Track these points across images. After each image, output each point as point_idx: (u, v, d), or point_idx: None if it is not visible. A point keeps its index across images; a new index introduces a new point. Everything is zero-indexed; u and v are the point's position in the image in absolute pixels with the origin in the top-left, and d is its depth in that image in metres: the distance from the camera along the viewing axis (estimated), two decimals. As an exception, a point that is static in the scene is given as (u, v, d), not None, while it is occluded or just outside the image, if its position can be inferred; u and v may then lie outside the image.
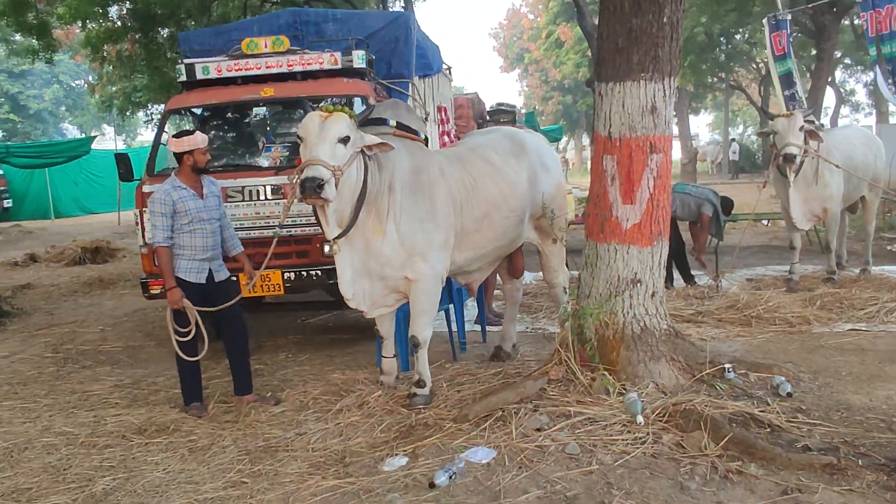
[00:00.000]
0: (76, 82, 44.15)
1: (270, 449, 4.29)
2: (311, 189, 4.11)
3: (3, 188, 22.68)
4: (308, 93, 6.54)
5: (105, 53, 14.26)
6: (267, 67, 6.60)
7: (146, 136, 40.01)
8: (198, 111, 7.27)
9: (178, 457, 4.26)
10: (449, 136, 9.75)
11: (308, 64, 6.62)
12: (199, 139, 4.91)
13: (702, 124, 67.77)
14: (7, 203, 22.75)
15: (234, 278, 5.34)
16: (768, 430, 4.00)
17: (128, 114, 21.26)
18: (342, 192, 4.31)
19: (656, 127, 4.48)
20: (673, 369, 4.68)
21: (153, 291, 6.38)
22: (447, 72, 12.13)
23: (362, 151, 4.43)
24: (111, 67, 16.74)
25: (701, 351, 4.87)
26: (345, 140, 4.26)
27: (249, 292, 6.18)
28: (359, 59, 6.60)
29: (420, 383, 4.84)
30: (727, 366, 4.74)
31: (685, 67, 23.65)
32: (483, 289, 7.12)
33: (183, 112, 7.20)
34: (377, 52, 7.41)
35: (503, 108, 20.66)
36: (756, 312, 6.53)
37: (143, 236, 6.34)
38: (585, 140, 43.09)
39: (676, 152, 18.80)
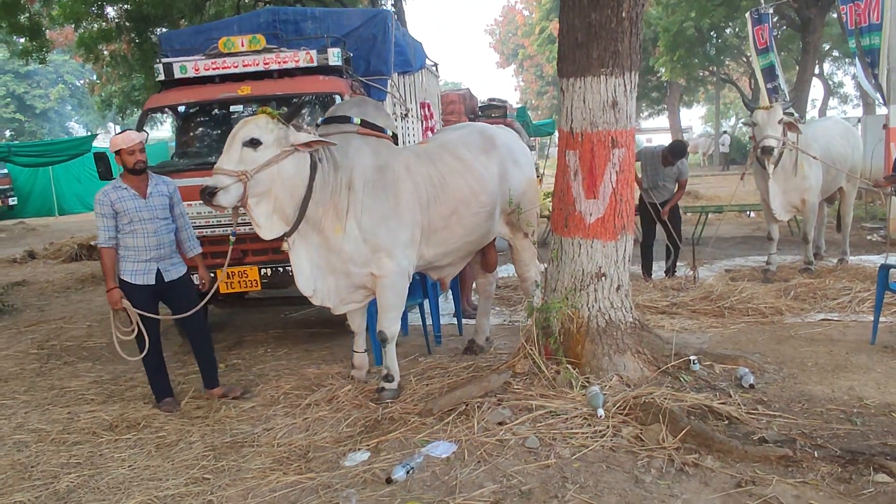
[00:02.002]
0: (80, 82, 44.37)
1: (236, 444, 4.33)
2: (203, 196, 4.22)
3: (7, 186, 22.84)
4: (284, 91, 6.57)
5: (99, 54, 14.25)
6: (244, 66, 6.63)
7: (151, 134, 40.17)
8: (179, 110, 7.32)
9: (145, 453, 4.31)
10: (433, 131, 9.76)
11: (284, 62, 6.65)
12: (123, 139, 4.79)
13: (695, 117, 67.84)
14: (12, 201, 22.91)
15: (192, 276, 5.24)
16: (726, 422, 4.03)
17: (127, 112, 21.33)
18: (275, 192, 4.35)
19: (618, 122, 4.50)
20: (638, 362, 4.71)
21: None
22: (433, 68, 12.13)
23: (317, 149, 4.48)
24: (107, 67, 16.77)
25: (667, 343, 4.90)
26: (253, 143, 4.25)
27: (226, 289, 6.26)
28: (334, 56, 6.62)
29: (388, 377, 4.88)
30: (692, 358, 4.78)
31: (675, 62, 23.64)
32: (459, 282, 7.18)
33: (164, 111, 7.22)
34: (355, 50, 7.43)
35: (494, 103, 20.77)
36: (729, 303, 6.57)
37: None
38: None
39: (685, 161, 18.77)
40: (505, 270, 9.53)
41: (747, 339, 5.81)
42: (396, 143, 5.18)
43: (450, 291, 6.50)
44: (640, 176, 7.90)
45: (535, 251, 5.79)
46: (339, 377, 5.41)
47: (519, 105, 23.83)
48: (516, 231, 5.62)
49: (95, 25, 13.47)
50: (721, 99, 38.42)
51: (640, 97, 33.94)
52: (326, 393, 4.97)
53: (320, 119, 4.96)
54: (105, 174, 6.60)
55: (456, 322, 6.82)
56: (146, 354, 4.99)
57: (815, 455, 3.65)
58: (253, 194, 4.29)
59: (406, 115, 8.25)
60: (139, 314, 4.85)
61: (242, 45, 6.63)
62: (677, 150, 8.01)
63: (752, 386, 4.53)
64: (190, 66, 6.64)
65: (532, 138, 23.06)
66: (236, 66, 6.60)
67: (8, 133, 42.09)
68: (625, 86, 4.46)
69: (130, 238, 4.84)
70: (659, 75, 28.50)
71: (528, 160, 5.79)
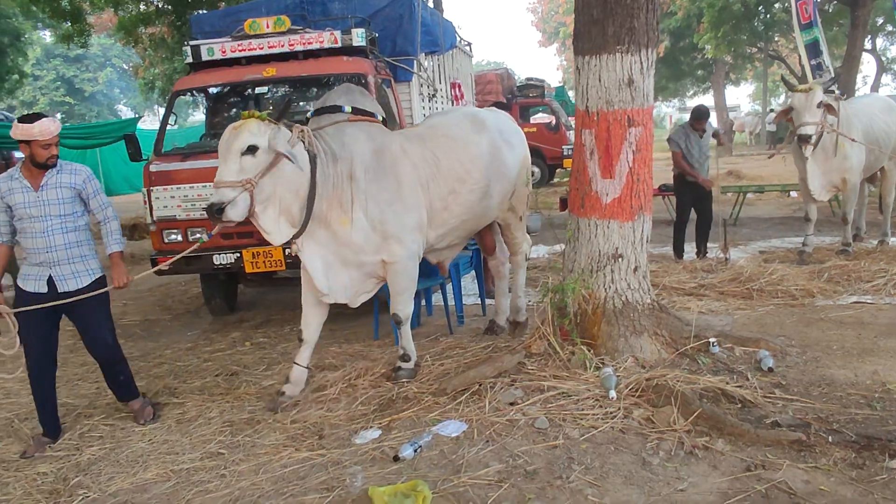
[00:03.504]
0: (127, 65, 45.35)
1: (253, 421, 4.42)
2: (212, 215, 4.03)
3: (57, 168, 23.39)
4: (309, 72, 6.62)
5: (139, 37, 14.50)
6: (269, 47, 6.69)
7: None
8: (211, 91, 7.42)
9: (165, 428, 4.43)
10: (464, 111, 9.71)
11: (309, 43, 6.68)
12: (38, 130, 4.05)
13: (742, 95, 66.32)
14: (62, 182, 23.48)
15: (97, 288, 4.35)
16: (739, 405, 3.97)
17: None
18: (279, 194, 4.23)
19: (634, 100, 4.42)
20: (655, 344, 4.66)
21: (162, 268, 6.59)
22: (467, 48, 12.07)
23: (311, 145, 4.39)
24: (149, 51, 17.06)
25: (686, 325, 4.83)
26: (251, 150, 4.10)
27: (252, 269, 6.35)
28: (358, 37, 6.63)
29: (405, 357, 4.89)
30: (712, 340, 4.70)
31: (719, 38, 23.05)
32: (484, 262, 7.17)
33: (193, 93, 7.32)
34: (382, 30, 7.42)
35: (532, 82, 20.62)
36: (759, 285, 6.43)
37: (152, 214, 6.52)
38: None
39: (712, 123, 18.34)
40: (535, 251, 9.51)
41: (774, 321, 5.69)
42: (386, 127, 5.03)
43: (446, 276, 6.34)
44: (685, 157, 7.78)
45: (524, 228, 5.82)
46: (358, 356, 5.47)
47: (559, 84, 23.51)
48: (514, 214, 5.59)
49: (135, 9, 13.66)
50: (770, 76, 37.42)
51: (684, 75, 33.36)
52: (345, 372, 5.01)
53: (310, 112, 4.88)
54: (135, 156, 6.74)
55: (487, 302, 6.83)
56: (30, 371, 4.31)
57: (829, 440, 3.58)
58: (259, 201, 4.14)
59: (433, 95, 8.24)
60: (27, 316, 4.17)
61: (268, 27, 6.67)
62: (703, 113, 7.99)
63: (771, 369, 4.44)
64: (217, 48, 6.72)
65: (571, 118, 22.84)
66: (262, 48, 6.66)
67: (59, 116, 43.28)
68: (641, 63, 4.38)
69: (22, 237, 4.23)
70: (704, 52, 27.86)
71: (519, 140, 5.68)
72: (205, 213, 4.48)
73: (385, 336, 5.96)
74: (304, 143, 4.32)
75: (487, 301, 6.79)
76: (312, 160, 4.37)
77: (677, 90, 36.30)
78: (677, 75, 33.06)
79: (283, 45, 6.66)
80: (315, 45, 6.66)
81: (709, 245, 8.17)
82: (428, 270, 6.28)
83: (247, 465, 3.83)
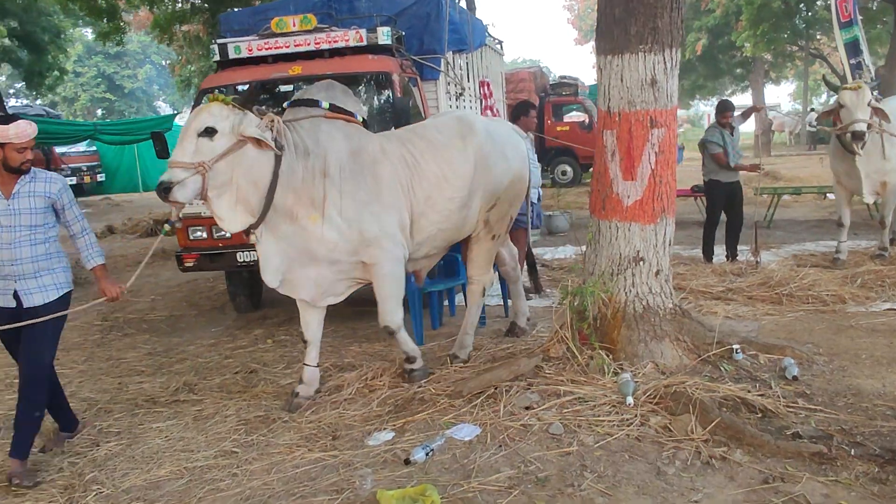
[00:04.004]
0: (166, 62, 46.15)
1: (268, 420, 4.42)
2: (159, 193, 3.92)
3: (95, 163, 23.86)
4: (334, 70, 6.59)
5: (174, 35, 14.69)
6: (295, 46, 6.70)
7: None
8: (239, 90, 7.46)
9: (182, 425, 4.46)
10: (492, 110, 9.67)
11: (335, 42, 6.68)
12: (14, 132, 3.78)
13: (783, 94, 65.15)
14: (100, 177, 23.95)
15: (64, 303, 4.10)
16: (760, 415, 3.87)
17: (206, 92, 22.01)
18: (237, 181, 4.07)
19: (657, 100, 4.33)
20: (677, 349, 4.57)
21: (186, 264, 6.66)
22: (498, 46, 12.01)
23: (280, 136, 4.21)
24: (186, 48, 17.28)
25: (709, 331, 4.72)
26: (208, 132, 3.95)
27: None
28: (384, 35, 6.61)
29: (410, 359, 4.79)
30: (735, 347, 4.60)
31: (758, 36, 22.62)
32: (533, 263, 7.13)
33: (219, 91, 7.36)
34: (408, 29, 7.39)
35: (565, 80, 20.46)
36: (789, 290, 6.28)
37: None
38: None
39: (750, 123, 17.80)
40: (562, 251, 9.43)
41: (803, 328, 5.55)
42: (366, 129, 4.76)
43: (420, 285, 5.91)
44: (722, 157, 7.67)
45: (493, 257, 5.38)
46: (377, 356, 5.46)
47: (593, 83, 23.24)
48: (487, 231, 5.14)
49: (170, 6, 13.83)
50: (811, 75, 36.64)
51: (722, 73, 32.82)
52: (362, 372, 4.99)
53: (287, 102, 4.76)
54: (162, 153, 6.81)
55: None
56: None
57: (852, 453, 3.47)
58: (213, 186, 3.98)
59: (461, 94, 8.20)
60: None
61: (294, 25, 6.68)
62: (727, 104, 7.89)
63: (795, 378, 4.33)
64: (243, 46, 6.75)
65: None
66: (288, 47, 6.68)
67: (99, 112, 44.21)
68: (665, 63, 4.29)
69: None
70: (742, 50, 27.36)
71: (516, 153, 5.26)
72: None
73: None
74: (272, 132, 4.14)
75: (492, 303, 6.71)
76: (279, 150, 4.19)
77: (715, 89, 35.72)
78: (715, 74, 32.53)
79: (309, 44, 6.67)
80: (341, 44, 6.66)
81: (739, 248, 8.02)
82: (450, 270, 6.26)
83: (259, 465, 3.83)
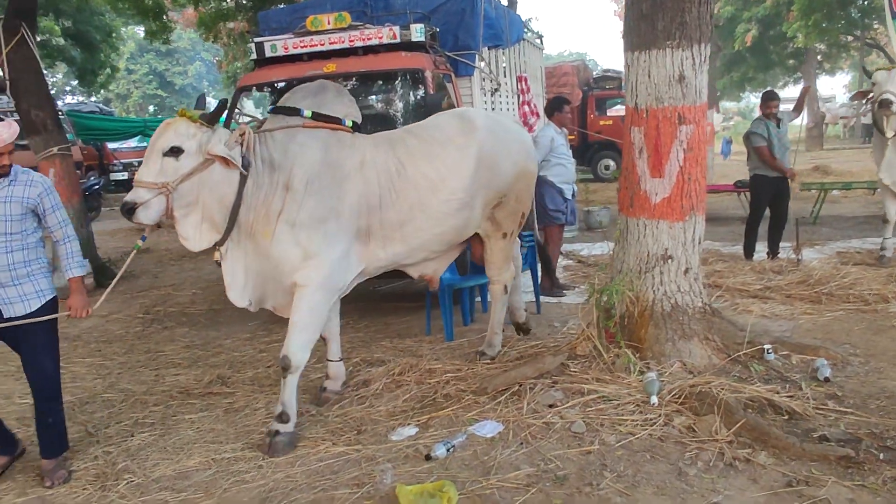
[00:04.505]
0: (215, 58, 47.07)
1: (297, 413, 4.48)
2: (123, 213, 3.82)
3: (146, 158, 24.44)
4: (368, 67, 6.67)
5: (218, 32, 14.95)
6: (330, 44, 6.77)
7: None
8: (278, 87, 7.57)
9: (213, 417, 4.57)
10: (529, 105, 9.64)
11: (368, 39, 6.73)
12: None
13: (838, 85, 63.29)
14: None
15: (49, 311, 3.88)
16: (787, 417, 3.80)
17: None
18: (202, 200, 3.92)
19: (685, 97, 4.27)
20: (706, 349, 4.51)
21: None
22: (537, 41, 11.94)
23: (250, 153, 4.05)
24: (232, 45, 17.59)
25: (741, 330, 4.66)
26: (174, 151, 3.81)
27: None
28: (417, 32, 6.63)
29: (283, 416, 4.07)
30: (766, 347, 4.52)
31: (810, 27, 22.03)
32: (545, 260, 7.11)
33: (258, 89, 7.49)
34: (443, 25, 7.41)
35: (609, 74, 20.27)
36: (829, 289, 6.14)
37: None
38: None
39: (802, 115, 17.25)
40: (599, 248, 9.36)
41: (841, 328, 5.42)
42: (360, 132, 4.50)
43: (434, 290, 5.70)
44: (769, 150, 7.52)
45: (510, 253, 5.22)
46: (407, 351, 5.51)
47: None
48: (496, 229, 4.97)
49: (215, 5, 14.08)
50: (868, 66, 35.63)
51: (774, 64, 32.06)
52: (389, 367, 5.04)
53: (269, 108, 4.64)
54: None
55: (548, 300, 6.77)
56: None
57: (881, 457, 3.39)
58: (179, 206, 3.85)
59: (496, 90, 8.18)
60: None
61: (329, 24, 6.76)
62: (771, 94, 7.76)
63: (827, 379, 4.24)
64: (279, 45, 6.85)
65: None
66: (322, 44, 6.75)
67: (151, 108, 45.27)
68: (693, 59, 4.22)
69: None
70: (794, 41, 26.69)
71: (521, 147, 5.03)
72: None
73: (437, 331, 5.97)
74: (241, 146, 3.97)
75: (542, 299, 6.72)
76: (245, 168, 3.99)
77: (766, 80, 34.91)
78: (766, 65, 31.78)
79: (343, 41, 6.74)
80: (374, 41, 6.70)
81: (782, 245, 7.85)
82: (480, 267, 6.27)
83: (284, 458, 3.90)
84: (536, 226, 6.92)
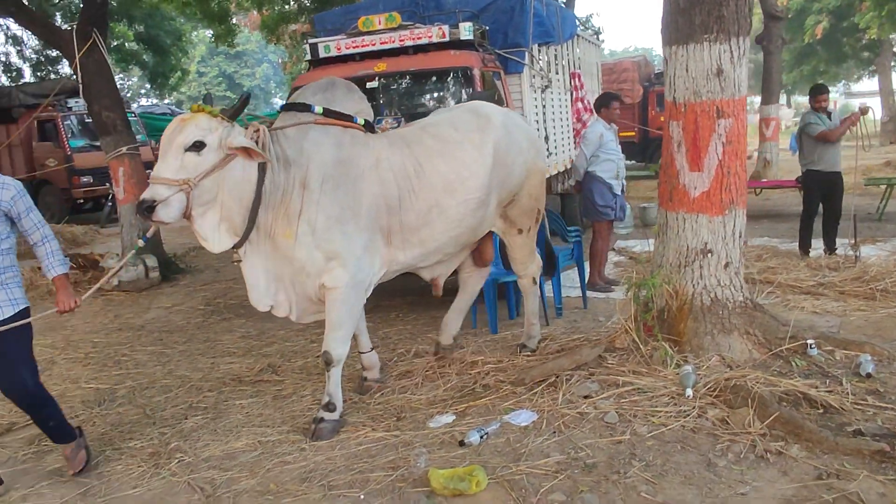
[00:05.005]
0: (280, 60, 48.23)
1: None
2: (141, 212, 3.69)
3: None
4: (417, 66, 6.84)
5: (280, 35, 15.36)
6: (381, 43, 6.97)
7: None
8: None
9: (262, 402, 4.77)
10: (583, 101, 9.65)
11: (418, 38, 6.90)
12: None
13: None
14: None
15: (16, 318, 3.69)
16: (822, 410, 3.77)
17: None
18: (221, 199, 3.82)
19: (723, 90, 4.27)
20: (746, 343, 4.49)
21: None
22: (593, 37, 11.90)
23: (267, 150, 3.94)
24: (289, 47, 18.04)
25: (783, 325, 4.61)
26: (196, 146, 3.69)
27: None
28: (466, 31, 6.77)
29: (329, 406, 4.21)
30: (810, 342, 4.47)
31: (884, 17, 21.22)
32: (590, 255, 7.13)
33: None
34: (493, 23, 7.52)
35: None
36: (884, 285, 5.99)
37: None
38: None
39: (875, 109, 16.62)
40: (646, 244, 9.28)
41: (893, 324, 5.30)
42: (373, 131, 4.41)
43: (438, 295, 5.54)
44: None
45: (532, 246, 5.15)
46: (450, 345, 5.62)
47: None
48: (511, 226, 4.94)
49: (279, 8, 14.47)
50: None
51: (846, 57, 30.95)
52: (432, 359, 5.17)
53: (279, 106, 4.67)
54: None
55: (592, 295, 6.79)
56: None
57: (918, 453, 3.34)
58: (198, 204, 3.74)
59: (547, 86, 8.24)
60: None
61: (380, 24, 6.95)
62: (820, 87, 7.60)
63: (869, 375, 4.17)
64: (332, 45, 7.08)
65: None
66: (374, 44, 6.95)
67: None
68: (731, 52, 4.21)
69: None
70: (868, 33, 25.74)
71: (531, 144, 4.99)
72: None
73: (482, 325, 6.07)
74: (256, 143, 3.87)
75: (590, 294, 6.74)
76: (262, 166, 3.90)
77: (839, 74, 33.74)
78: (838, 58, 30.70)
79: (393, 41, 6.92)
80: (424, 40, 6.87)
81: (840, 241, 7.67)
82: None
83: (326, 442, 4.07)
84: (585, 221, 6.95)
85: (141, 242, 4.06)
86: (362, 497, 3.44)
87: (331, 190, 4.06)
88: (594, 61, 11.75)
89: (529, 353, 5.12)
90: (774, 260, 7.41)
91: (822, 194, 7.59)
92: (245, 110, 4.07)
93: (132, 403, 4.94)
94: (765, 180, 13.35)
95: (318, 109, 4.16)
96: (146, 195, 3.68)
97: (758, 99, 17.46)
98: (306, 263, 4.05)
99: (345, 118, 4.23)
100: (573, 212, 9.03)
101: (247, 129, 3.92)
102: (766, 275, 6.74)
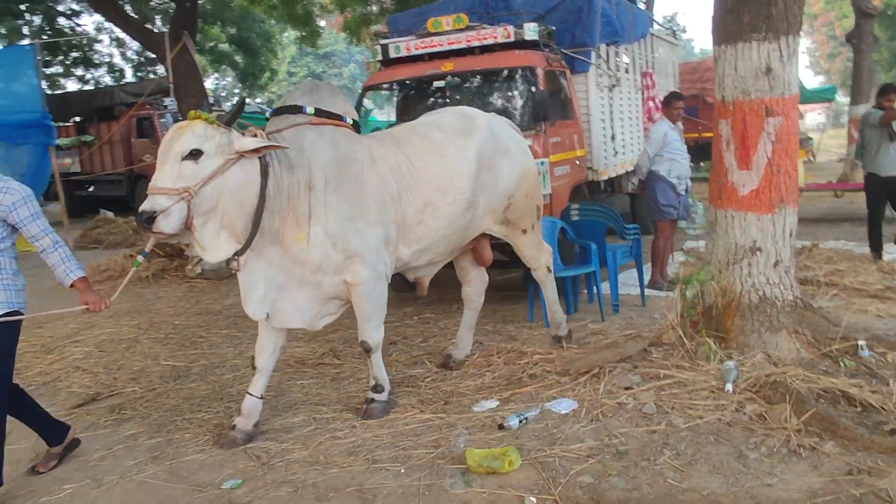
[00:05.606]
0: (364, 60, 49.37)
1: (394, 383, 4.89)
2: (141, 224, 3.60)
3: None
4: (483, 66, 7.02)
5: (361, 36, 15.81)
6: (449, 44, 7.18)
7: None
8: (406, 84, 8.06)
9: (320, 383, 5.07)
10: (654, 101, 9.62)
11: (484, 39, 7.07)
12: None
13: None
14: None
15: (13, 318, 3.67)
16: (859, 409, 3.77)
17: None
18: (222, 207, 3.73)
19: (772, 89, 4.29)
20: (794, 342, 4.49)
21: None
22: (671, 35, 11.82)
23: (270, 153, 3.91)
24: (370, 47, 18.53)
25: (834, 325, 4.59)
26: (193, 154, 3.63)
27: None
28: (531, 31, 6.90)
29: (377, 388, 4.44)
30: (861, 343, 4.44)
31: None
32: (655, 254, 7.16)
33: (382, 87, 8.00)
34: (561, 23, 7.64)
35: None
36: (957, 290, 5.82)
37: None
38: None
39: None
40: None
41: (958, 330, 5.17)
42: (358, 132, 4.49)
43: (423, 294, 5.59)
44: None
45: (539, 239, 5.26)
46: (507, 336, 5.80)
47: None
48: (513, 229, 5.03)
49: (360, 10, 14.91)
50: None
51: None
52: (487, 349, 5.36)
53: (269, 111, 4.89)
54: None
55: (649, 293, 6.83)
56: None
57: (955, 454, 3.32)
58: (198, 213, 3.65)
59: (615, 85, 8.28)
60: None
61: (447, 25, 7.17)
62: (888, 86, 7.34)
63: (919, 377, 4.12)
64: (402, 46, 7.34)
65: (803, 105, 21.15)
66: (442, 45, 7.17)
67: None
68: (780, 51, 4.23)
69: None
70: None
71: (519, 147, 5.07)
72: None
73: (538, 318, 6.21)
74: (257, 153, 3.83)
75: (650, 293, 6.78)
76: (264, 170, 3.84)
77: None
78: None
79: (461, 42, 7.12)
80: (490, 41, 7.04)
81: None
82: (583, 257, 6.45)
83: (376, 421, 4.31)
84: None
85: (140, 258, 3.99)
86: (402, 471, 3.66)
87: (335, 189, 4.10)
88: (670, 60, 11.65)
89: (569, 343, 5.26)
90: (844, 263, 7.24)
91: (886, 197, 7.39)
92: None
93: (203, 380, 5.33)
94: (832, 182, 12.79)
95: (310, 110, 4.20)
96: (145, 206, 3.60)
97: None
98: (323, 263, 4.08)
99: (335, 118, 4.28)
100: (642, 211, 9.04)
101: (244, 134, 3.88)
102: (833, 277, 6.63)
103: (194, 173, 3.63)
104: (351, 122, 4.38)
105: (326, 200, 4.06)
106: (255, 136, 3.89)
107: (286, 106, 4.30)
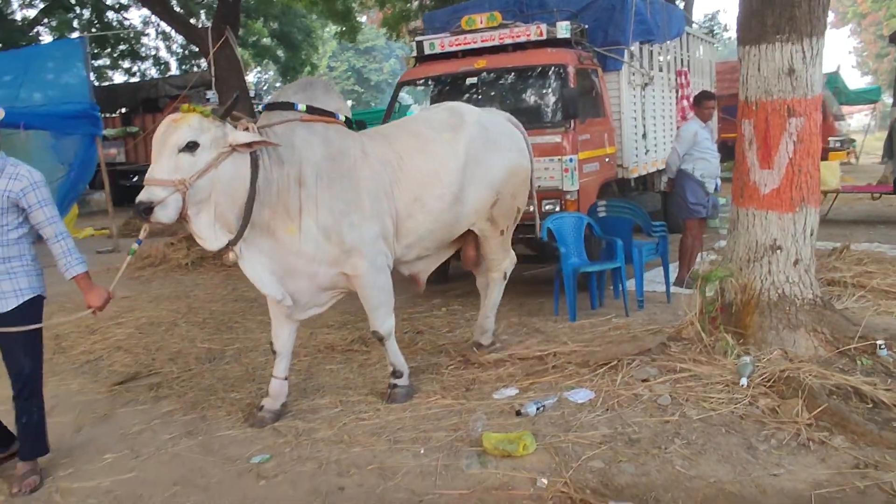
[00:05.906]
0: (403, 56, 49.72)
1: (419, 371, 5.07)
2: (139, 213, 3.68)
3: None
4: (515, 63, 7.15)
5: (400, 31, 16.00)
6: (482, 41, 7.32)
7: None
8: (442, 79, 8.21)
9: (348, 369, 5.27)
10: (688, 100, 9.63)
11: (517, 36, 7.20)
12: None
13: None
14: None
15: (28, 311, 3.68)
16: (870, 405, 3.83)
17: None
18: (214, 198, 3.82)
19: (795, 90, 4.35)
20: (813, 340, 4.55)
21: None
22: (708, 34, 11.78)
23: (260, 147, 3.96)
24: (409, 43, 18.75)
25: (854, 325, 4.64)
26: (190, 147, 3.71)
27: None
28: (563, 29, 7.01)
29: (396, 373, 4.60)
30: (880, 342, 4.48)
31: None
32: (682, 252, 7.22)
33: (415, 83, 8.16)
34: (594, 21, 7.71)
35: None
36: (984, 295, 5.79)
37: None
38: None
39: None
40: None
41: (984, 333, 5.16)
42: (350, 128, 4.51)
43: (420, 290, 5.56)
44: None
45: (507, 246, 5.31)
46: (531, 328, 5.93)
47: (830, 72, 21.40)
48: (495, 228, 5.09)
49: (400, 6, 15.10)
50: None
51: None
52: (509, 340, 5.50)
53: (261, 106, 4.86)
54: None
55: (676, 289, 6.89)
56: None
57: (963, 451, 3.38)
58: (192, 204, 3.74)
59: (647, 84, 8.34)
60: None
61: (481, 23, 7.31)
62: None
63: (936, 377, 4.16)
64: (437, 43, 7.50)
65: (845, 107, 20.79)
66: (475, 42, 7.31)
67: (350, 102, 48.69)
68: (803, 52, 4.29)
69: None
70: None
71: (512, 143, 5.12)
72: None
73: (563, 313, 6.32)
74: (249, 148, 3.91)
75: (676, 290, 6.84)
76: (254, 164, 3.93)
77: None
78: None
79: (494, 39, 7.26)
80: (522, 38, 7.16)
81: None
82: (609, 253, 6.54)
83: (399, 405, 4.49)
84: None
85: (136, 245, 4.06)
86: (422, 451, 3.83)
87: (327, 185, 4.16)
88: (707, 59, 11.62)
89: (482, 349, 5.34)
90: (874, 265, 7.21)
91: None
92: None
93: (237, 362, 5.56)
94: (871, 184, 12.55)
95: (302, 107, 4.26)
96: (143, 197, 3.67)
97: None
98: (317, 254, 4.17)
99: (327, 115, 4.34)
100: (673, 209, 9.06)
101: (236, 127, 3.95)
102: (861, 279, 6.62)
103: (190, 165, 3.72)
104: (343, 119, 4.43)
105: (318, 195, 4.14)
106: (247, 129, 3.98)
107: (278, 102, 4.36)
